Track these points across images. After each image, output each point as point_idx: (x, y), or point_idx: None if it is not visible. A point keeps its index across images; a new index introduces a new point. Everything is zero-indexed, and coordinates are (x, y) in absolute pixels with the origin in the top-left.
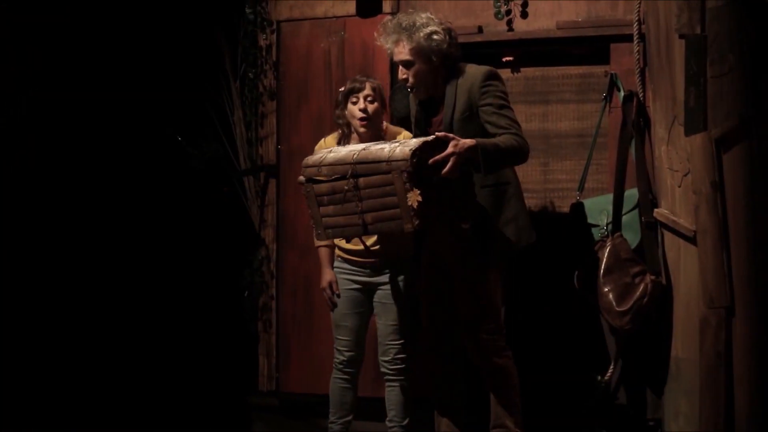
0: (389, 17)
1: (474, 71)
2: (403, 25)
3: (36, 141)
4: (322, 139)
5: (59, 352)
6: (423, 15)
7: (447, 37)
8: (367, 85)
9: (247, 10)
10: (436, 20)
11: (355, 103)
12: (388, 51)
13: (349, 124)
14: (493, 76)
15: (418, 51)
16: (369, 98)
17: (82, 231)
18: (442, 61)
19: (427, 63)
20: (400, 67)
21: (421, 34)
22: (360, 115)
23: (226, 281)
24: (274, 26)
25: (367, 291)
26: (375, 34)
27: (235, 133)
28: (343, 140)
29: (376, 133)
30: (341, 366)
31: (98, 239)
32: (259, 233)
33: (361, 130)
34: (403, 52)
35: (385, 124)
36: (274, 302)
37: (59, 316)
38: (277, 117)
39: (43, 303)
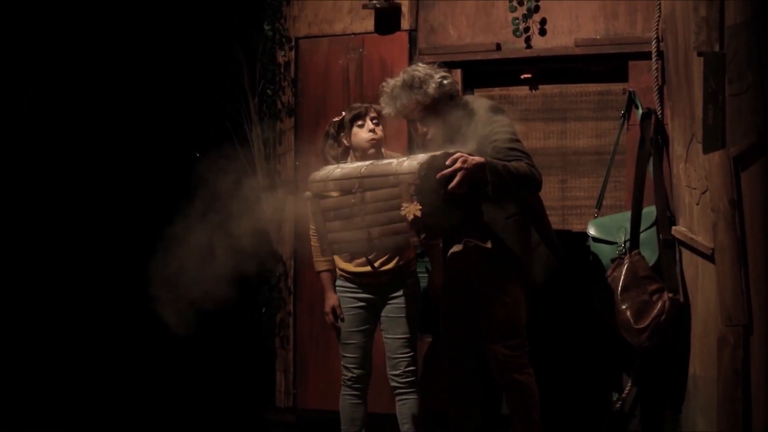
0: (386, 84)
1: (477, 107)
2: (412, 84)
3: (36, 141)
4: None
5: (66, 358)
6: (419, 68)
7: (450, 77)
8: (371, 109)
9: (266, 27)
10: (431, 67)
11: (361, 126)
12: (393, 116)
13: (342, 156)
14: (497, 111)
15: (434, 103)
16: (375, 120)
17: (84, 233)
18: (454, 102)
19: (444, 109)
20: (417, 124)
21: (433, 86)
22: (370, 136)
23: (244, 297)
24: (293, 43)
25: (372, 307)
26: (380, 106)
27: (253, 150)
28: None
29: (379, 157)
30: (350, 383)
31: (100, 240)
32: (277, 250)
33: (371, 150)
34: (417, 110)
35: (386, 152)
36: (292, 319)
37: (62, 319)
38: (295, 133)
39: (45, 306)
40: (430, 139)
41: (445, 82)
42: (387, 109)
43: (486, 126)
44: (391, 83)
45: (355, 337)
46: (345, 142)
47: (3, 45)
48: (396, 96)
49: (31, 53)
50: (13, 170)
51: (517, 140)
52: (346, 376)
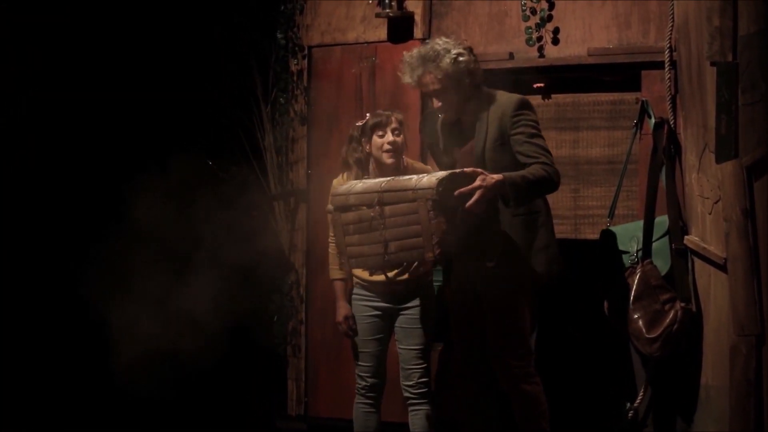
0: (407, 53)
1: (505, 100)
2: (427, 56)
3: (36, 141)
4: (340, 176)
5: (75, 359)
6: (440, 41)
7: (471, 55)
8: (393, 119)
9: (279, 36)
10: (453, 42)
11: (381, 136)
12: (413, 85)
13: (364, 161)
14: (524, 105)
15: (447, 78)
16: (396, 131)
17: (85, 234)
18: (471, 80)
19: (459, 87)
20: (433, 98)
21: (447, 60)
22: (388, 147)
23: (256, 305)
24: (306, 51)
25: (387, 317)
26: (398, 74)
27: (266, 158)
28: (359, 178)
29: (399, 165)
30: (363, 391)
31: (101, 241)
32: (289, 258)
33: (389, 161)
34: (433, 83)
35: (406, 160)
36: (303, 327)
37: (67, 320)
38: (308, 142)
39: (49, 307)
40: (440, 112)
41: (461, 58)
42: (406, 78)
43: (512, 117)
44: (411, 53)
45: (369, 345)
46: (366, 147)
47: (3, 45)
48: (413, 66)
49: (31, 53)
50: (13, 170)
51: (540, 136)
52: (359, 384)
